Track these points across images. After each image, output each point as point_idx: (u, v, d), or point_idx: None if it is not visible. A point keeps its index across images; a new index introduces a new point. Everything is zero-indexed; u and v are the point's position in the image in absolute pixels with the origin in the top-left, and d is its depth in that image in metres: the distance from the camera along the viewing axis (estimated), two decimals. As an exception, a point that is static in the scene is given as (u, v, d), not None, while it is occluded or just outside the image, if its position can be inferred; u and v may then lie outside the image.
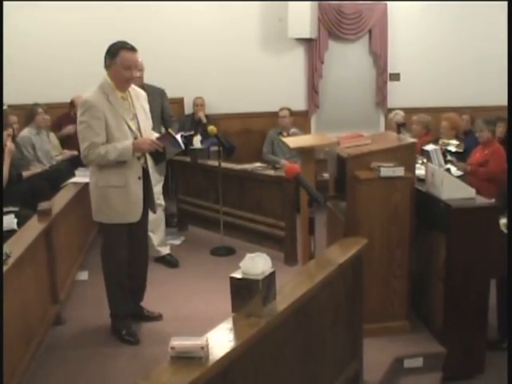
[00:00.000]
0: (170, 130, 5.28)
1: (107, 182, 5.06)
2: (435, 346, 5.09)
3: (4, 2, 9.30)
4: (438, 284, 5.07)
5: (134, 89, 5.28)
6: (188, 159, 7.89)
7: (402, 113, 9.16)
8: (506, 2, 9.75)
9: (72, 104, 9.30)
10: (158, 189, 6.69)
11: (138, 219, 5.18)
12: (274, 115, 10.19)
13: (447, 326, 4.99)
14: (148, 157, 5.23)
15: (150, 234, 6.52)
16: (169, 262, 7.02)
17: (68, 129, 9.10)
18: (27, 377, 4.60)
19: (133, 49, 5.02)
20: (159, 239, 6.84)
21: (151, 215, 6.05)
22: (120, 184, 5.05)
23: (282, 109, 10.05)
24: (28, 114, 8.54)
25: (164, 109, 6.74)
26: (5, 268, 4.17)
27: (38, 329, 5.02)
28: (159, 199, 6.79)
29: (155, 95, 6.44)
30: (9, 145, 5.97)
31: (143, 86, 6.19)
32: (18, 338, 4.48)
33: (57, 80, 9.64)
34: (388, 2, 10.77)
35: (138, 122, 5.16)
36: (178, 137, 5.23)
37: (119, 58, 4.95)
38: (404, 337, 5.20)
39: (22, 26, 9.75)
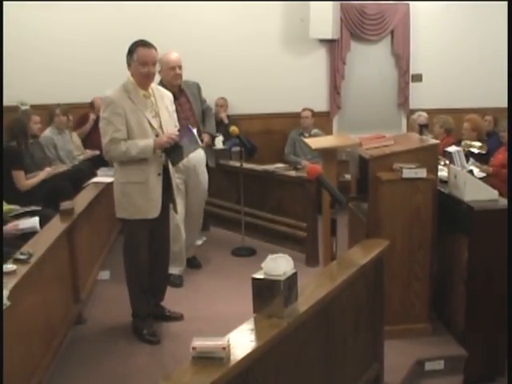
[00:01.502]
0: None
1: (128, 179, 5.11)
2: (457, 348, 5.06)
3: (25, 4, 9.41)
4: (459, 286, 5.04)
5: (159, 89, 5.33)
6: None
7: (425, 114, 9.12)
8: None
9: (92, 105, 9.35)
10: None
11: (157, 215, 5.19)
12: (295, 116, 10.18)
13: (469, 328, 4.96)
14: None
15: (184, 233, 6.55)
16: (193, 264, 6.99)
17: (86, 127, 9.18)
18: (48, 375, 4.61)
19: (149, 45, 5.08)
20: (188, 242, 6.79)
21: (191, 218, 6.45)
22: (140, 180, 5.09)
23: (304, 109, 10.05)
24: (48, 114, 8.60)
25: (202, 102, 6.73)
26: (27, 267, 4.20)
27: (59, 328, 5.04)
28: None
29: (194, 90, 6.53)
30: (48, 170, 6.04)
31: (180, 86, 6.34)
32: (39, 336, 4.50)
33: (78, 80, 9.68)
34: (410, 2, 10.72)
35: (160, 121, 5.19)
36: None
37: (136, 55, 5.03)
38: (425, 339, 5.17)
39: (43, 28, 9.82)
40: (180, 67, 6.27)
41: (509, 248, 4.60)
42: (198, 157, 6.40)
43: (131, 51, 5.06)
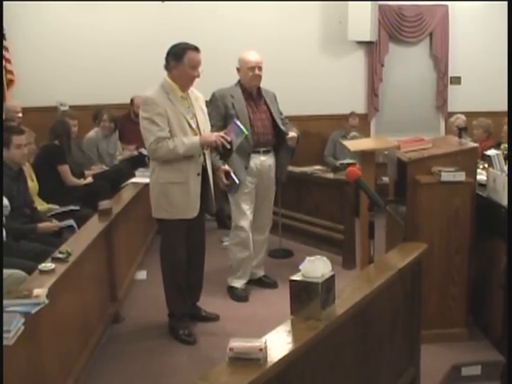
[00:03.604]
0: (235, 120, 5.33)
1: (168, 179, 5.14)
2: (494, 354, 5.01)
3: (64, 4, 9.52)
4: (497, 291, 4.99)
5: (193, 91, 5.35)
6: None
7: (463, 117, 9.04)
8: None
9: (132, 103, 9.43)
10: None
11: (196, 215, 5.23)
12: (333, 118, 10.20)
13: (506, 334, 4.91)
14: (207, 155, 5.33)
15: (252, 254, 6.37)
16: (266, 283, 6.60)
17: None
18: (85, 373, 4.65)
19: (197, 49, 5.13)
20: (257, 261, 6.61)
21: (260, 238, 6.39)
22: (180, 180, 5.13)
23: (351, 115, 10.12)
24: (96, 116, 8.72)
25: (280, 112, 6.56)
26: (66, 266, 4.24)
27: (96, 326, 5.08)
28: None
29: (272, 99, 6.33)
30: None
31: (259, 89, 6.22)
32: (76, 334, 4.54)
33: (116, 81, 9.79)
34: (449, 3, 10.63)
35: (197, 122, 5.24)
36: (238, 122, 5.32)
37: (186, 59, 5.06)
38: (462, 344, 5.14)
39: (82, 30, 9.95)
40: (260, 68, 6.08)
41: (509, 248, 4.55)
42: (270, 160, 6.25)
43: (179, 54, 5.09)
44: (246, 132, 5.33)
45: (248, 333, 3.28)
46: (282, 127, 6.16)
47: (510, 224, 4.60)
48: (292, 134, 6.11)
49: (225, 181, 5.78)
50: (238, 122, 5.34)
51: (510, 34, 6.91)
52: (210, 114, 5.74)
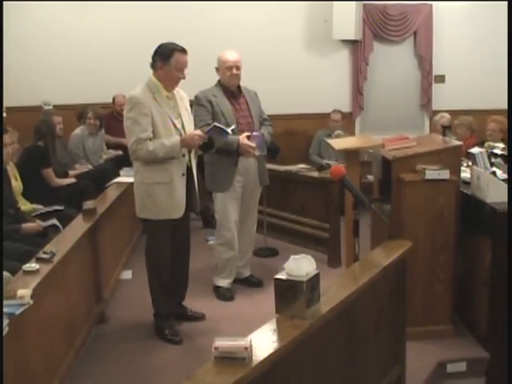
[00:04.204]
0: (216, 124, 5.33)
1: (152, 179, 5.13)
2: (479, 350, 5.04)
3: (49, 4, 9.49)
4: (482, 288, 5.02)
5: (179, 91, 5.35)
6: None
7: (447, 115, 9.06)
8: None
9: (114, 102, 9.45)
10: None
11: (181, 215, 5.22)
12: (318, 117, 10.21)
13: (491, 330, 4.94)
14: (192, 155, 5.34)
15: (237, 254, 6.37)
16: (252, 283, 6.62)
17: (107, 139, 9.20)
18: (71, 373, 4.64)
19: (185, 50, 5.12)
20: (244, 261, 6.62)
21: (247, 238, 6.39)
22: (165, 180, 5.12)
23: (334, 111, 10.09)
24: (80, 115, 8.72)
25: (261, 110, 6.50)
26: (50, 266, 4.23)
27: (82, 326, 5.07)
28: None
29: (253, 96, 6.32)
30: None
31: (240, 87, 6.21)
32: (61, 335, 4.53)
33: (101, 80, 9.75)
34: (433, 3, 10.67)
35: (182, 121, 5.24)
36: (229, 129, 5.32)
37: (173, 60, 5.05)
38: (447, 341, 5.16)
39: (66, 29, 9.92)
40: (238, 67, 6.06)
41: (509, 248, 4.58)
42: (258, 158, 6.22)
43: (166, 55, 5.07)
44: (230, 132, 5.33)
45: (234, 332, 3.28)
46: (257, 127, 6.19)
47: (510, 224, 4.63)
48: (254, 133, 6.06)
49: (253, 146, 5.92)
50: (219, 125, 5.34)
51: (510, 34, 6.94)
52: (197, 116, 5.76)
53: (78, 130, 8.61)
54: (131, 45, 9.51)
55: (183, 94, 5.41)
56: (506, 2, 10.35)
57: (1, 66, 8.26)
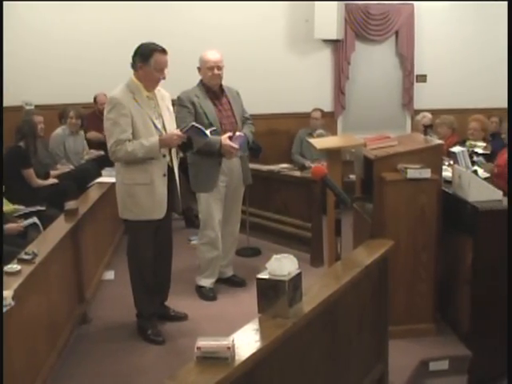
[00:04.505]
0: (194, 124, 5.31)
1: (133, 180, 5.12)
2: (461, 348, 5.06)
3: (30, 4, 9.45)
4: (464, 286, 5.04)
5: (160, 90, 5.33)
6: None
7: (429, 115, 9.10)
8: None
9: (95, 101, 9.42)
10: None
11: (163, 216, 5.22)
12: (300, 116, 10.22)
13: (473, 328, 4.96)
14: (173, 155, 5.32)
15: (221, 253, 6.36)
16: (234, 282, 6.61)
17: (92, 134, 9.19)
18: (53, 375, 4.62)
19: (164, 51, 5.10)
20: (226, 261, 6.60)
21: (230, 238, 6.38)
22: (146, 181, 5.11)
23: (314, 110, 10.11)
24: (61, 114, 8.68)
25: (243, 109, 6.44)
26: (32, 267, 4.21)
27: (64, 327, 5.05)
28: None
29: (235, 96, 6.31)
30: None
31: (222, 86, 6.18)
32: (44, 336, 4.51)
33: (82, 80, 9.71)
34: (415, 3, 10.71)
35: (163, 121, 5.23)
36: (208, 131, 5.29)
37: (153, 61, 5.03)
38: (430, 339, 5.17)
39: (47, 28, 9.88)
40: (219, 67, 6.03)
41: (509, 248, 4.60)
42: (241, 157, 6.22)
43: (146, 55, 5.05)
44: (208, 132, 5.30)
45: (216, 332, 3.28)
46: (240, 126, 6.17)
47: (510, 224, 4.66)
48: (237, 133, 6.04)
49: (235, 147, 5.89)
50: (198, 125, 5.32)
51: (510, 34, 6.97)
52: (179, 117, 5.75)
53: (58, 130, 8.59)
54: (113, 44, 9.48)
55: (165, 93, 5.40)
56: (486, 2, 10.49)
57: (1, 66, 8.24)
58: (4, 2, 8.87)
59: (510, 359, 4.32)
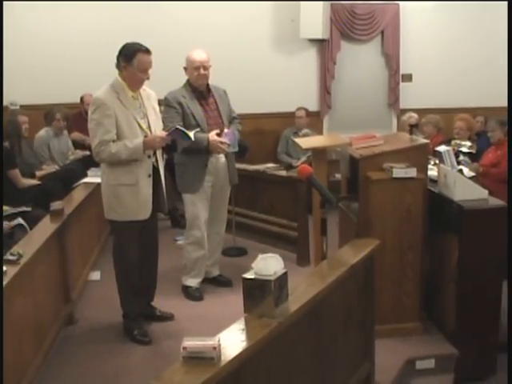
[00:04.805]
0: (178, 126, 5.29)
1: (118, 181, 5.11)
2: (447, 347, 5.07)
3: (14, 4, 9.41)
4: (450, 285, 5.05)
5: (145, 90, 5.31)
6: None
7: (415, 115, 9.11)
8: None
9: (82, 101, 9.40)
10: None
11: (148, 216, 5.21)
12: (286, 116, 10.23)
13: (459, 327, 4.97)
14: (159, 155, 5.30)
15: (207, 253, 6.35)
16: (221, 282, 6.61)
17: (75, 135, 9.16)
18: (39, 376, 4.61)
19: (148, 51, 5.08)
20: (212, 260, 6.60)
21: (216, 237, 6.39)
22: (131, 182, 5.10)
23: (298, 109, 10.13)
24: (47, 115, 8.63)
25: (230, 109, 6.44)
26: (17, 268, 4.19)
27: (50, 328, 5.04)
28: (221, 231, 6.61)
29: (222, 95, 6.29)
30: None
31: (208, 86, 6.16)
32: (29, 337, 4.50)
33: (68, 80, 9.68)
34: (400, 3, 10.75)
35: (148, 121, 5.21)
36: (187, 131, 5.27)
37: (136, 61, 5.01)
38: (416, 338, 5.18)
39: (32, 28, 9.83)
40: (205, 67, 6.00)
41: (509, 248, 4.62)
42: (227, 156, 6.21)
43: (129, 56, 5.03)
44: (191, 135, 5.28)
45: (203, 331, 3.27)
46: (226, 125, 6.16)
47: (510, 223, 4.67)
48: (226, 130, 6.03)
49: (224, 142, 5.90)
50: (182, 128, 5.30)
51: (510, 34, 7.00)
52: (166, 117, 5.75)
53: (42, 132, 8.54)
54: (99, 44, 9.43)
55: (150, 92, 5.39)
56: (471, 2, 10.53)
57: (1, 66, 8.20)
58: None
59: (510, 358, 4.35)
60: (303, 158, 9.24)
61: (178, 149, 5.43)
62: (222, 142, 5.83)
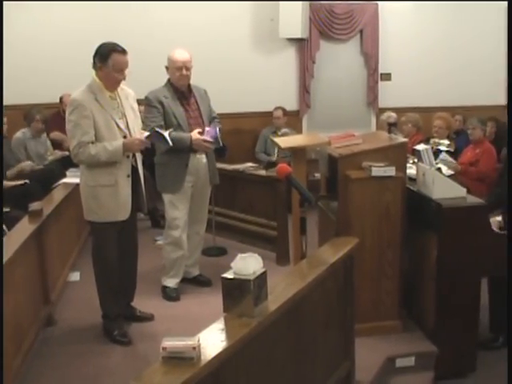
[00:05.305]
0: (156, 129, 5.28)
1: (97, 182, 5.09)
2: (427, 345, 5.09)
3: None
4: (429, 283, 5.07)
5: (124, 89, 5.29)
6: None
7: (394, 115, 9.14)
8: (496, 3, 9.85)
9: (61, 101, 9.36)
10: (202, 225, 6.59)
11: (127, 217, 5.20)
12: (265, 115, 10.24)
13: (439, 325, 4.99)
14: (137, 154, 5.30)
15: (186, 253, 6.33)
16: (201, 282, 6.61)
17: (55, 134, 9.13)
18: (19, 378, 4.59)
19: (124, 51, 5.05)
20: (192, 260, 6.59)
21: (196, 237, 6.39)
22: (109, 183, 5.08)
23: (276, 108, 10.12)
24: (27, 115, 8.58)
25: (210, 109, 6.42)
26: (-4, 269, 4.17)
27: (29, 330, 5.01)
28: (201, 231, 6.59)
29: (202, 95, 6.27)
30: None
31: (190, 86, 6.13)
32: (9, 339, 4.46)
33: (47, 80, 9.65)
34: (379, 2, 10.82)
35: (126, 121, 5.19)
36: (166, 134, 5.24)
37: (111, 61, 4.99)
38: (396, 336, 5.20)
39: (11, 27, 9.73)
40: (187, 68, 5.97)
41: (509, 248, 4.64)
42: (206, 158, 6.19)
43: (104, 56, 5.00)
44: (171, 143, 5.26)
45: (183, 331, 3.26)
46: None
47: (511, 223, 4.68)
48: (207, 128, 6.00)
49: (207, 140, 5.88)
50: (160, 131, 5.29)
51: (510, 34, 7.04)
52: (147, 117, 5.75)
53: (18, 133, 8.47)
54: (78, 44, 9.36)
55: (129, 91, 5.37)
56: (448, 2, 10.59)
57: (1, 66, 8.15)
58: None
59: (510, 356, 4.37)
60: (281, 154, 9.25)
61: (156, 152, 5.41)
62: (205, 141, 5.82)
